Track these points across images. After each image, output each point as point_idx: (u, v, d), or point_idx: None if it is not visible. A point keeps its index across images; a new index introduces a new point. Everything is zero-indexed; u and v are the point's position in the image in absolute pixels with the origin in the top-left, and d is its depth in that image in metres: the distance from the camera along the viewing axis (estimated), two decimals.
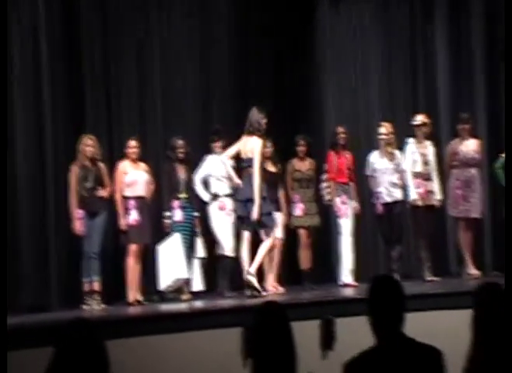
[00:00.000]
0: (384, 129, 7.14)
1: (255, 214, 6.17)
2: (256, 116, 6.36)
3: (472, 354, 2.83)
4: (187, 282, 6.48)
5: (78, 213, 6.20)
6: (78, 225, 6.18)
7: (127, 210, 6.40)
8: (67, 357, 2.29)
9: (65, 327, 2.38)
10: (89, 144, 6.30)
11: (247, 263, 6.17)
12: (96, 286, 6.17)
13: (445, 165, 7.35)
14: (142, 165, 6.63)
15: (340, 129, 7.15)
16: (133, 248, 6.36)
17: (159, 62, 7.43)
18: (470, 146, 7.26)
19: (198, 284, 6.56)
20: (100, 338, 2.37)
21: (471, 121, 7.38)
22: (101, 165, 6.41)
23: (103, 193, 6.30)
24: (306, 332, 4.73)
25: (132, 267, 6.34)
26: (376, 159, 7.17)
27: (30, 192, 6.39)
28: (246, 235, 6.28)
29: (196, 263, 6.60)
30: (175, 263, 6.31)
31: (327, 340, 5.15)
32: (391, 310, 2.59)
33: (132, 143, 6.55)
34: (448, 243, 7.95)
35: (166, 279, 6.35)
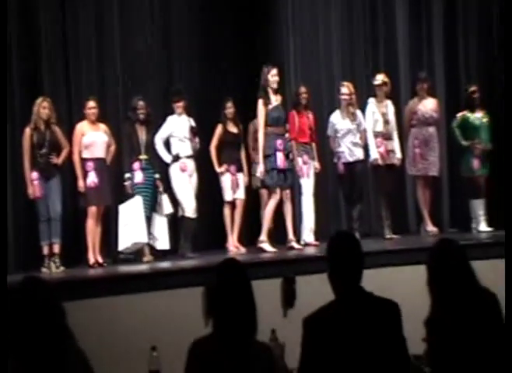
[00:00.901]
0: (346, 89, 7.14)
1: (259, 172, 6.34)
2: (262, 75, 6.43)
3: (433, 306, 2.90)
4: (148, 244, 6.46)
5: (32, 176, 6.10)
6: (33, 189, 6.09)
7: (85, 172, 6.32)
8: (19, 316, 2.27)
9: (16, 286, 2.36)
10: (45, 107, 6.17)
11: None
12: (56, 248, 6.12)
13: (404, 124, 7.41)
14: (102, 126, 6.53)
15: (302, 89, 7.13)
16: (92, 210, 6.30)
17: (118, 21, 7.27)
18: (428, 105, 7.32)
19: (163, 243, 6.54)
20: (52, 295, 2.35)
21: (429, 80, 7.44)
22: (56, 128, 6.28)
23: (57, 160, 6.20)
24: (267, 291, 4.80)
25: (92, 229, 6.29)
26: (337, 119, 7.19)
27: None
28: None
29: (163, 222, 6.57)
30: (135, 226, 6.28)
31: (288, 298, 5.26)
32: (349, 265, 2.64)
33: (91, 103, 6.43)
34: (407, 201, 8.08)
35: (125, 241, 6.32)
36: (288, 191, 6.61)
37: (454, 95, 8.08)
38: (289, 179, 6.55)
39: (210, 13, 7.74)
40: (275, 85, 6.49)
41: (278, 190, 6.47)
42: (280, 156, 6.42)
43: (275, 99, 6.52)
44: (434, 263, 2.92)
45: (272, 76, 6.49)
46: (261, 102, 6.47)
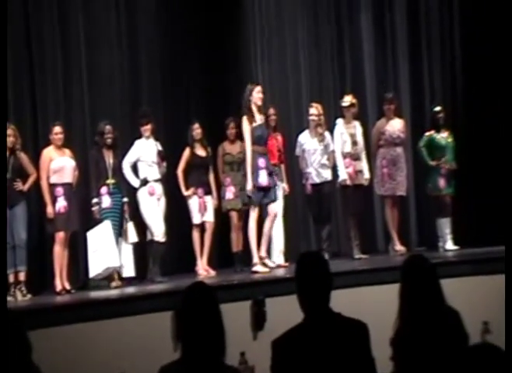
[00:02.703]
0: (315, 110, 7.21)
1: (248, 188, 6.28)
2: (246, 92, 6.42)
3: (399, 325, 2.92)
4: (118, 270, 6.40)
5: None
6: None
7: (54, 197, 6.25)
8: None
9: None
10: (9, 134, 6.10)
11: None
12: (22, 276, 6.01)
13: (372, 144, 7.50)
14: (67, 151, 6.49)
15: (271, 110, 7.17)
16: (60, 235, 6.23)
17: (84, 46, 7.24)
18: (396, 126, 7.43)
19: (129, 270, 6.48)
20: (20, 325, 2.31)
21: (395, 101, 7.55)
22: (22, 154, 6.22)
23: (21, 186, 6.12)
24: (237, 314, 4.78)
25: (60, 255, 6.21)
26: (306, 139, 7.25)
27: None
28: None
29: (128, 249, 6.52)
30: (106, 251, 6.22)
31: (258, 320, 5.24)
32: (316, 286, 2.64)
33: (57, 128, 6.39)
34: (376, 221, 8.14)
35: (96, 267, 6.25)
36: (271, 208, 6.47)
37: (419, 116, 8.22)
38: (271, 196, 6.45)
39: (177, 35, 7.77)
40: (259, 103, 6.40)
41: (257, 209, 6.40)
42: (263, 174, 6.32)
43: (260, 118, 6.44)
44: (404, 278, 2.95)
45: (257, 93, 6.42)
46: (245, 119, 6.35)
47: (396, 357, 2.88)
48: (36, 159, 6.38)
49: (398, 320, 2.91)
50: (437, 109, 7.55)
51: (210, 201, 6.98)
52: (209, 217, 6.94)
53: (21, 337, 2.28)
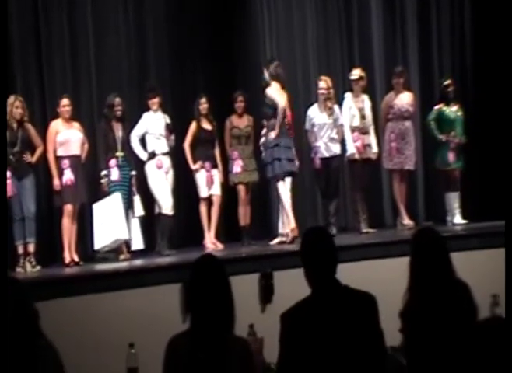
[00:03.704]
0: (324, 83, 7.15)
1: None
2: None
3: (408, 297, 2.92)
4: (126, 242, 6.42)
5: None
6: (6, 188, 6.02)
7: (61, 170, 6.26)
8: None
9: None
10: (17, 106, 6.09)
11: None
12: (31, 248, 6.05)
13: (380, 118, 7.45)
14: (76, 123, 6.48)
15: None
16: (68, 208, 6.25)
17: (91, 18, 7.19)
18: (404, 99, 7.36)
19: (137, 243, 6.51)
20: (25, 295, 2.33)
21: (404, 75, 7.48)
22: (29, 126, 6.22)
23: (30, 158, 6.13)
24: (245, 286, 4.80)
25: (68, 228, 6.24)
26: (315, 114, 7.20)
27: None
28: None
29: (135, 222, 6.54)
30: (115, 224, 6.23)
31: (266, 293, 5.27)
32: (321, 259, 2.65)
33: (64, 101, 6.38)
34: (383, 195, 8.12)
35: (103, 239, 6.27)
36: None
37: (428, 89, 8.15)
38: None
39: (185, 10, 7.70)
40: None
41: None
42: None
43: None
44: (415, 250, 2.95)
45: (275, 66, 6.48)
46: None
47: (405, 329, 2.90)
48: (44, 132, 6.38)
49: (407, 292, 2.92)
50: (447, 82, 7.47)
51: (217, 175, 6.98)
52: (216, 190, 6.94)
53: (25, 305, 2.29)
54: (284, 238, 6.41)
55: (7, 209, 5.06)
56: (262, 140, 6.82)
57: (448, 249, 3.00)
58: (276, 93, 6.45)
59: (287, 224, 6.42)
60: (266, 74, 6.49)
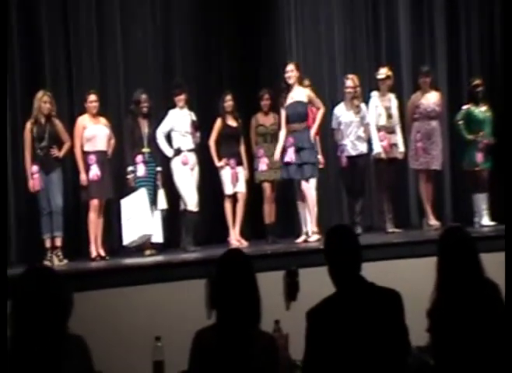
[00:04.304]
0: (351, 82, 7.12)
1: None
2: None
3: (436, 297, 2.90)
4: (150, 237, 6.46)
5: (33, 169, 6.10)
6: (33, 182, 6.09)
7: (87, 165, 6.31)
8: (24, 306, 2.26)
9: (21, 276, 2.35)
10: (46, 101, 6.15)
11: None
12: (58, 241, 6.11)
13: (407, 117, 7.39)
14: (102, 119, 6.53)
15: (306, 82, 7.11)
16: (94, 203, 6.30)
17: (119, 15, 7.26)
18: (431, 99, 7.30)
19: (157, 237, 6.52)
20: (58, 283, 2.34)
21: (431, 74, 7.41)
22: (57, 121, 6.28)
23: (57, 153, 6.19)
24: (270, 283, 4.80)
25: (94, 222, 6.29)
26: (341, 112, 7.17)
27: None
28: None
29: (157, 215, 6.57)
30: (141, 219, 6.27)
31: (291, 291, 5.26)
32: (345, 257, 2.65)
33: (92, 97, 6.43)
34: (410, 195, 8.06)
35: (131, 234, 6.31)
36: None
37: (456, 89, 8.07)
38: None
39: (211, 7, 7.71)
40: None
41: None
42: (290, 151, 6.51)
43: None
44: (443, 249, 2.92)
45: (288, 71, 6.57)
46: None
47: (432, 328, 2.88)
48: (71, 127, 6.43)
49: (435, 291, 2.90)
50: (476, 82, 7.38)
51: (242, 172, 6.98)
52: (241, 187, 6.94)
53: (58, 296, 2.31)
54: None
55: (7, 207, 5.09)
56: None
57: (477, 249, 2.97)
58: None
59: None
60: (295, 73, 6.60)
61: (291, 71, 6.59)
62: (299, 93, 6.61)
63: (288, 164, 6.53)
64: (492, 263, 3.24)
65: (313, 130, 6.62)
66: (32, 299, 2.26)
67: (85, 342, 2.37)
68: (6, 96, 5.47)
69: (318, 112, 6.71)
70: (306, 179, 6.53)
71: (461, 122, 7.34)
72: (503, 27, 8.02)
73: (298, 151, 6.50)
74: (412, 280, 4.84)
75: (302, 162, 6.50)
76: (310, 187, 6.57)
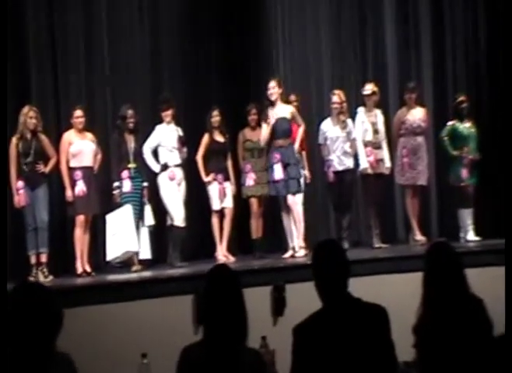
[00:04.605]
0: (337, 97, 7.17)
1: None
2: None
3: (422, 312, 2.90)
4: (137, 253, 6.43)
5: (18, 185, 6.07)
6: (19, 198, 6.06)
7: (73, 180, 6.29)
8: (14, 322, 2.24)
9: (13, 291, 2.33)
10: (31, 116, 6.14)
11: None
12: (44, 258, 6.07)
13: (393, 133, 7.44)
14: (89, 134, 6.52)
15: (292, 97, 7.16)
16: (80, 219, 6.27)
17: (106, 30, 7.26)
18: (417, 115, 7.35)
19: (145, 253, 6.50)
20: (50, 299, 2.33)
21: (417, 90, 7.47)
22: (43, 136, 6.26)
23: (43, 168, 6.17)
24: (257, 299, 4.79)
25: (80, 238, 6.26)
26: (328, 127, 7.21)
27: None
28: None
29: (145, 232, 6.55)
30: (125, 235, 6.25)
31: (278, 306, 5.25)
32: (333, 273, 2.65)
33: (78, 112, 6.42)
34: (396, 211, 8.09)
35: (114, 250, 6.28)
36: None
37: (441, 105, 8.13)
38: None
39: (199, 22, 7.75)
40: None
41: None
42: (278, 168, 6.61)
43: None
44: (429, 264, 2.93)
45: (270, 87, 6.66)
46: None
47: (419, 344, 2.88)
48: (57, 142, 6.41)
49: (421, 307, 2.90)
50: (461, 98, 7.45)
51: (229, 187, 6.98)
52: (228, 203, 6.94)
53: (47, 312, 2.29)
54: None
55: (6, 216, 5.05)
56: None
57: (462, 265, 2.98)
58: None
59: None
60: (277, 89, 6.69)
61: (273, 88, 6.66)
62: (283, 110, 6.68)
63: (276, 181, 6.56)
64: (477, 278, 3.25)
65: (296, 146, 6.71)
66: (23, 315, 2.24)
67: (71, 359, 2.35)
68: (6, 98, 5.40)
69: (299, 129, 6.77)
70: (293, 194, 6.56)
71: (446, 138, 7.39)
72: (488, 44, 8.12)
73: (285, 167, 6.55)
74: (399, 295, 4.85)
75: (289, 178, 6.55)
76: (296, 202, 6.61)
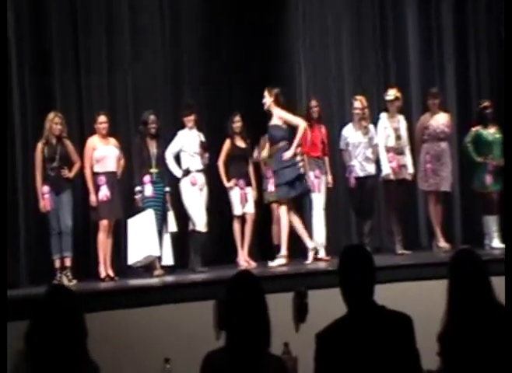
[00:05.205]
0: (359, 103, 7.14)
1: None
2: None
3: (447, 320, 2.87)
4: (159, 258, 6.45)
5: (43, 190, 6.13)
6: (44, 202, 6.12)
7: (97, 186, 6.34)
8: (45, 323, 2.26)
9: (44, 294, 2.35)
10: (57, 122, 6.21)
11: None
12: (68, 262, 6.12)
13: (416, 139, 7.39)
14: (112, 140, 6.57)
15: (313, 102, 7.15)
16: (104, 223, 6.31)
17: (128, 36, 7.32)
18: (440, 120, 7.30)
19: (167, 259, 6.53)
20: (78, 305, 2.35)
21: (440, 96, 7.43)
22: (67, 142, 6.33)
23: (68, 174, 6.23)
24: (279, 305, 4.78)
25: (103, 243, 6.30)
26: (350, 133, 7.19)
27: None
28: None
29: (167, 238, 6.57)
30: (147, 240, 6.28)
31: (301, 312, 5.23)
32: (360, 279, 2.62)
33: (101, 118, 6.47)
34: (419, 217, 8.03)
35: (136, 254, 6.31)
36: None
37: (465, 110, 8.07)
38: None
39: (220, 28, 7.78)
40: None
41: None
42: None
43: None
44: (454, 272, 2.90)
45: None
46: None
47: (443, 352, 2.84)
48: (81, 148, 6.47)
49: (446, 315, 2.87)
50: (485, 104, 7.39)
51: (250, 192, 6.99)
52: (250, 208, 6.95)
53: (78, 321, 2.31)
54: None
55: (7, 214, 5.07)
56: (298, 158, 6.85)
57: (488, 272, 2.95)
58: (291, 115, 6.61)
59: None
60: (268, 99, 6.57)
61: (264, 98, 6.62)
62: (275, 117, 6.59)
63: (288, 183, 6.50)
64: (502, 286, 3.21)
65: (292, 148, 6.51)
66: (57, 318, 2.25)
67: (98, 367, 2.37)
68: (6, 98, 5.45)
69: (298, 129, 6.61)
70: (307, 193, 6.64)
71: (469, 144, 7.32)
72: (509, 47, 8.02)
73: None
74: (422, 302, 4.81)
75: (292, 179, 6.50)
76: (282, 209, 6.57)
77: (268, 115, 6.66)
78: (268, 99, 6.60)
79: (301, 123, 6.60)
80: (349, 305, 2.64)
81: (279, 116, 6.59)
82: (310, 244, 6.62)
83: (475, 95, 8.18)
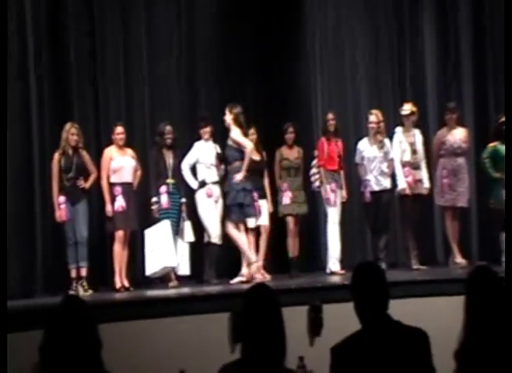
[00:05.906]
0: (374, 117, 7.13)
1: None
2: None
3: (464, 338, 2.84)
4: (174, 269, 6.46)
5: (59, 200, 6.16)
6: (60, 212, 6.15)
7: (113, 196, 6.36)
8: (60, 334, 2.26)
9: (59, 305, 2.35)
10: (73, 133, 6.26)
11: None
12: (84, 272, 6.15)
13: (432, 154, 7.36)
14: (129, 151, 6.61)
15: (329, 116, 7.15)
16: (119, 234, 6.34)
17: (145, 47, 7.40)
18: (457, 135, 7.27)
19: (184, 269, 6.53)
20: (92, 316, 2.35)
21: (458, 110, 7.39)
22: (84, 152, 6.37)
23: (84, 184, 6.26)
24: (294, 318, 4.75)
25: (119, 253, 6.32)
26: (365, 147, 7.18)
27: (17, 180, 6.31)
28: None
29: (184, 248, 6.57)
30: (163, 250, 6.29)
31: (315, 326, 5.21)
32: (373, 295, 2.61)
33: (118, 129, 6.52)
34: (435, 232, 7.98)
35: (153, 265, 6.33)
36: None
37: (482, 126, 8.01)
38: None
39: (236, 41, 7.82)
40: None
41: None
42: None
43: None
44: (471, 289, 2.88)
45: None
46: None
47: (460, 370, 2.81)
48: (98, 158, 6.51)
49: (462, 332, 2.84)
50: (503, 119, 7.33)
51: (265, 205, 6.98)
52: (264, 221, 6.94)
53: (92, 332, 2.31)
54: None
55: (6, 222, 5.10)
56: (314, 170, 6.91)
57: (505, 289, 2.92)
58: (241, 136, 6.31)
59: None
60: (228, 117, 6.34)
61: (225, 115, 6.39)
62: (230, 137, 6.38)
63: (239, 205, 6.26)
64: None
65: (242, 172, 6.23)
66: (72, 329, 2.26)
67: None
68: (6, 98, 5.45)
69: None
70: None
71: (487, 160, 7.26)
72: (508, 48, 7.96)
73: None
74: (437, 318, 4.77)
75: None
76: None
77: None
78: (227, 117, 6.36)
79: (248, 146, 6.27)
80: (363, 320, 2.64)
81: (231, 136, 6.35)
82: (254, 258, 6.40)
83: (492, 110, 8.13)
